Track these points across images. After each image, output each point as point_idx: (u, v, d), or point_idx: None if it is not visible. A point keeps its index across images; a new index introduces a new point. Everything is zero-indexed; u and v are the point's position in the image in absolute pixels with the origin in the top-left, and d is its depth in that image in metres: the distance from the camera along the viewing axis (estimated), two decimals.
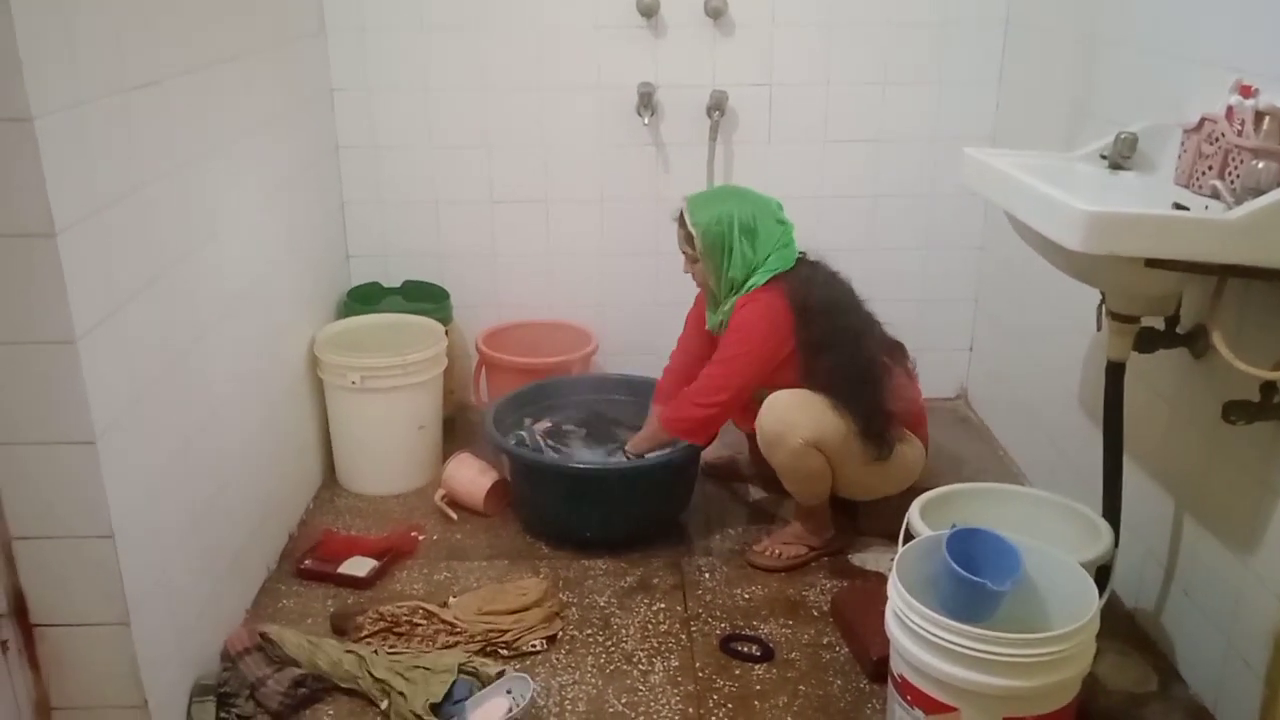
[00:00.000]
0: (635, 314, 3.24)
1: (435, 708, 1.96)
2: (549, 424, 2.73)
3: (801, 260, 2.47)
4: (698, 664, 2.20)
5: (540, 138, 3.10)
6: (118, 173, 1.73)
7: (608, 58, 3.02)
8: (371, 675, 2.04)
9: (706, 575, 2.50)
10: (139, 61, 1.81)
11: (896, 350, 2.51)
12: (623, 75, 3.03)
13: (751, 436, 2.54)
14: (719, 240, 2.42)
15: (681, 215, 2.49)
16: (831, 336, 2.38)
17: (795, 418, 2.35)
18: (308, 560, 2.49)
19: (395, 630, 2.22)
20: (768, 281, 2.41)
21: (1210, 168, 1.83)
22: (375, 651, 2.11)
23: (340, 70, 3.02)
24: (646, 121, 3.01)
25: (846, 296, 2.46)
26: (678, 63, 3.02)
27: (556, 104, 3.07)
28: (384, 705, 2.01)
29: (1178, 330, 2.01)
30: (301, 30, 2.81)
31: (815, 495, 2.47)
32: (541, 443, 2.67)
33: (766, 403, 2.40)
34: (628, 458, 2.59)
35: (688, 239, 2.47)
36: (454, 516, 2.73)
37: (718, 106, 3.01)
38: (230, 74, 2.24)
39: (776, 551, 2.53)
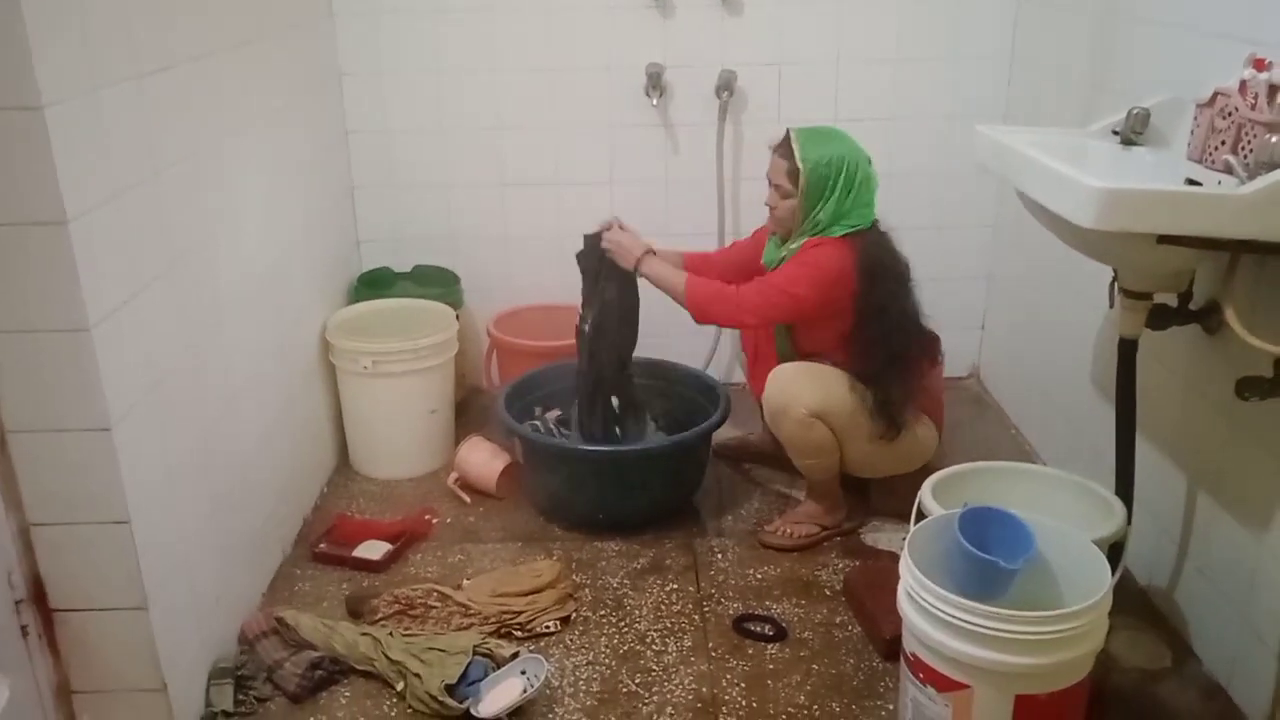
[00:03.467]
0: (645, 295, 3.23)
1: (450, 689, 1.97)
2: (560, 413, 2.73)
3: (875, 225, 2.43)
4: (711, 644, 2.21)
5: (550, 120, 3.09)
6: (129, 160, 1.74)
7: (617, 39, 3.00)
8: (387, 657, 2.05)
9: (719, 556, 2.51)
10: (149, 47, 1.81)
11: (930, 339, 2.51)
12: (631, 56, 3.01)
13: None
14: (823, 181, 2.36)
15: (787, 146, 2.40)
16: (887, 305, 2.37)
17: (799, 389, 2.36)
18: (322, 544, 2.50)
19: (410, 613, 2.23)
20: (842, 235, 2.37)
21: (1223, 143, 1.81)
22: (391, 634, 2.12)
23: (349, 54, 3.02)
24: (655, 102, 3.00)
25: (907, 272, 2.44)
26: (686, 43, 3.01)
27: (567, 86, 3.06)
28: (400, 687, 2.02)
29: (1190, 307, 1.99)
30: (311, 14, 2.81)
31: (823, 470, 2.47)
32: (555, 430, 2.67)
33: (772, 374, 2.40)
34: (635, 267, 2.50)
35: (790, 172, 2.39)
36: (467, 500, 2.74)
37: (727, 86, 3.00)
38: (240, 59, 2.24)
39: (789, 531, 2.53)
